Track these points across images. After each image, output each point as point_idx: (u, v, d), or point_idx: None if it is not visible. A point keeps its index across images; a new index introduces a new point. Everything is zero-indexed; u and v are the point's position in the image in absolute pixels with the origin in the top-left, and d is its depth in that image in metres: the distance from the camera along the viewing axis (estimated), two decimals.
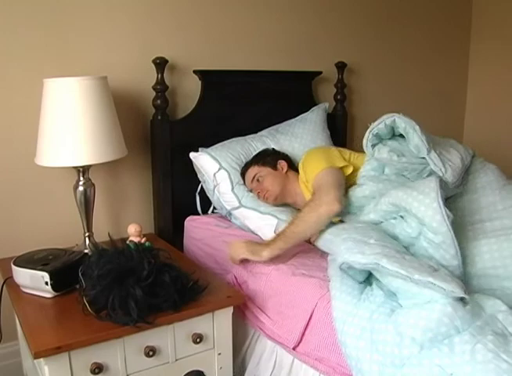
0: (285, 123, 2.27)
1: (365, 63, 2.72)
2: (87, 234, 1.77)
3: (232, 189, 1.96)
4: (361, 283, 1.35)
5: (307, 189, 1.80)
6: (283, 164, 1.93)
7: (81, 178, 1.73)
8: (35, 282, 1.41)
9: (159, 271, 1.32)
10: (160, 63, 1.98)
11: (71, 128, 1.58)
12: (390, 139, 1.68)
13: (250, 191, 1.94)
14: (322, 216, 1.54)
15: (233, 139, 2.12)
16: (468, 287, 1.33)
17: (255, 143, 2.11)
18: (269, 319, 1.54)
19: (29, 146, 1.75)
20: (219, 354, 1.46)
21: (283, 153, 2.03)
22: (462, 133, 3.29)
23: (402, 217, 1.47)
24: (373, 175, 1.69)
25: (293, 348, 1.45)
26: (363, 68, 2.72)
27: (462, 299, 1.17)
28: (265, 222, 1.83)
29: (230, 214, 2.00)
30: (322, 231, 1.57)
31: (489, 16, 3.04)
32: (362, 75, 2.72)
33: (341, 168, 1.74)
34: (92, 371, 1.24)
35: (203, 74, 2.13)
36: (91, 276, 1.31)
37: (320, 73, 2.47)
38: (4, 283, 1.53)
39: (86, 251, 1.72)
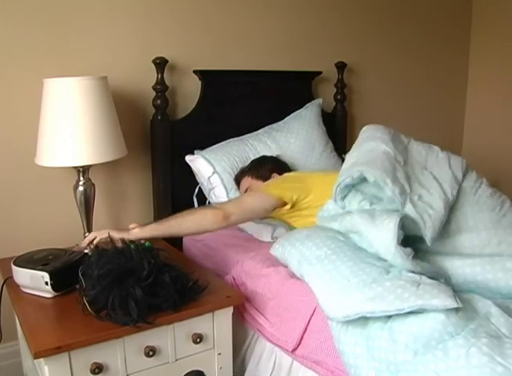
0: (280, 121, 2.28)
1: (365, 63, 2.72)
2: (87, 234, 1.77)
3: (227, 194, 1.99)
4: None
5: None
6: (276, 176, 1.91)
7: (81, 178, 1.73)
8: (35, 282, 1.41)
9: (159, 271, 1.31)
10: (160, 63, 1.98)
11: (71, 128, 1.58)
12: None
13: None
14: (205, 219, 1.53)
15: (230, 139, 2.14)
16: (455, 286, 1.31)
17: (252, 143, 2.12)
18: (268, 321, 1.54)
19: (29, 146, 1.75)
20: (219, 354, 1.45)
21: (281, 164, 2.01)
22: (462, 133, 3.29)
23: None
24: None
25: (292, 351, 1.44)
26: (363, 68, 2.72)
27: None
28: (261, 226, 1.85)
29: None
30: (286, 240, 1.55)
31: (489, 16, 3.04)
32: (362, 75, 2.72)
33: (278, 198, 1.67)
34: (92, 371, 1.24)
35: (203, 74, 2.13)
36: (91, 276, 1.31)
37: (320, 73, 2.47)
38: (4, 283, 1.53)
39: (86, 251, 1.72)
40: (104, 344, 1.25)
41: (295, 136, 2.20)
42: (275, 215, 1.73)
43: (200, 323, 1.39)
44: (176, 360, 1.38)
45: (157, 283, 1.30)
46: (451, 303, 1.12)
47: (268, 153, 2.10)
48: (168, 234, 1.55)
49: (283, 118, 2.30)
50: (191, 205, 2.10)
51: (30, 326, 1.28)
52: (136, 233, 1.50)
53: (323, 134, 2.31)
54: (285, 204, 1.67)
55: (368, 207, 1.43)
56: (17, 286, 1.47)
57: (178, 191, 2.10)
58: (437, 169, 1.57)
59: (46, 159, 1.63)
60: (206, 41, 2.18)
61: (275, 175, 1.92)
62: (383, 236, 1.28)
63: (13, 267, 1.45)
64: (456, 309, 1.15)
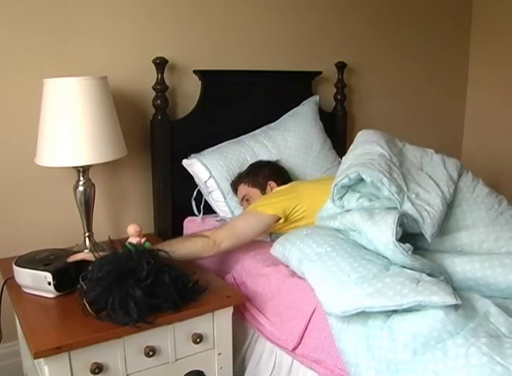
0: (277, 120, 2.28)
1: (365, 63, 2.72)
2: (87, 234, 1.77)
3: (225, 199, 2.00)
4: None
5: None
6: (272, 185, 1.91)
7: (81, 178, 1.73)
8: (37, 282, 1.41)
9: (158, 271, 1.31)
10: (160, 63, 1.98)
11: (71, 128, 1.58)
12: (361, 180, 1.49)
13: (241, 204, 1.97)
14: (197, 248, 1.57)
15: (228, 141, 2.14)
16: (454, 283, 1.32)
17: (249, 144, 2.12)
18: (268, 320, 1.54)
19: (29, 146, 1.75)
20: (219, 354, 1.46)
21: (277, 170, 2.00)
22: (462, 133, 3.29)
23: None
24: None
25: (292, 350, 1.45)
26: (363, 68, 2.72)
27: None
28: None
29: None
30: (286, 239, 1.55)
31: (489, 16, 3.04)
32: (362, 75, 2.72)
33: (272, 215, 1.68)
34: (92, 371, 1.24)
35: (203, 74, 2.13)
36: (91, 278, 1.31)
37: (320, 73, 2.47)
38: (4, 283, 1.53)
39: (86, 251, 1.72)
40: (104, 344, 1.25)
41: (292, 134, 2.20)
42: (272, 229, 1.74)
43: (200, 323, 1.39)
44: (176, 360, 1.38)
45: (157, 284, 1.30)
46: (450, 300, 1.12)
47: (266, 154, 2.10)
48: None
49: None
50: (191, 205, 2.10)
51: (31, 326, 1.28)
52: None
53: (321, 131, 2.30)
54: (278, 219, 1.68)
55: (367, 203, 1.44)
56: (18, 286, 1.48)
57: (178, 191, 2.10)
58: (432, 170, 1.60)
59: (46, 159, 1.63)
60: (206, 41, 2.18)
61: (271, 183, 1.91)
62: (382, 233, 1.29)
63: (15, 267, 1.45)
64: (456, 308, 1.15)
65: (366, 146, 1.63)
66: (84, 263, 1.40)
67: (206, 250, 1.58)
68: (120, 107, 1.85)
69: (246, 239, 1.67)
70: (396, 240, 1.27)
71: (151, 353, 1.31)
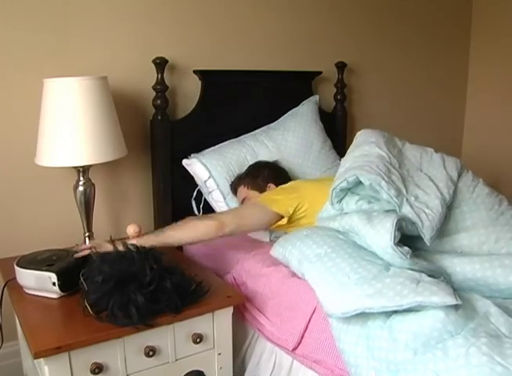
0: (277, 120, 2.28)
1: (365, 63, 2.72)
2: (87, 234, 1.77)
3: (225, 199, 2.00)
4: None
5: None
6: (272, 187, 1.90)
7: (81, 178, 1.73)
8: (41, 283, 1.40)
9: (161, 277, 1.31)
10: (160, 63, 1.98)
11: (71, 128, 1.58)
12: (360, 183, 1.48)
13: None
14: (199, 230, 1.55)
15: (228, 141, 2.13)
16: (454, 284, 1.32)
17: (249, 143, 2.12)
18: (268, 320, 1.54)
19: (29, 146, 1.75)
20: (219, 354, 1.46)
21: (276, 171, 2.00)
22: (462, 133, 3.29)
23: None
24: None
25: (292, 350, 1.44)
26: (363, 68, 2.72)
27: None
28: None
29: None
30: (286, 240, 1.55)
31: (489, 16, 3.04)
32: (362, 75, 2.72)
33: (276, 213, 1.67)
34: (92, 371, 1.24)
35: (203, 74, 2.13)
36: (93, 281, 1.31)
37: (320, 73, 2.47)
38: (5, 284, 1.52)
39: (87, 251, 1.72)
40: (104, 344, 1.25)
41: (292, 134, 2.20)
42: (273, 228, 1.74)
43: (200, 323, 1.39)
44: (176, 360, 1.38)
45: (159, 289, 1.29)
46: (450, 300, 1.12)
47: (266, 153, 2.10)
48: (167, 244, 1.54)
49: None
50: (191, 206, 2.10)
51: (31, 326, 1.28)
52: (138, 242, 1.50)
53: (321, 131, 2.30)
54: (281, 217, 1.67)
55: (366, 206, 1.44)
56: (20, 287, 1.47)
57: (178, 191, 2.10)
58: (432, 170, 1.59)
59: (46, 159, 1.63)
60: (206, 41, 2.18)
61: (271, 185, 1.90)
62: (380, 237, 1.29)
63: (17, 268, 1.44)
64: (456, 308, 1.15)
65: (365, 147, 1.63)
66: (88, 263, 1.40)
67: (209, 232, 1.55)
68: (120, 107, 1.85)
69: (250, 228, 1.68)
70: (394, 244, 1.26)
71: (151, 353, 1.31)
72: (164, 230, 1.56)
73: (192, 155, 2.07)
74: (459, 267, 1.34)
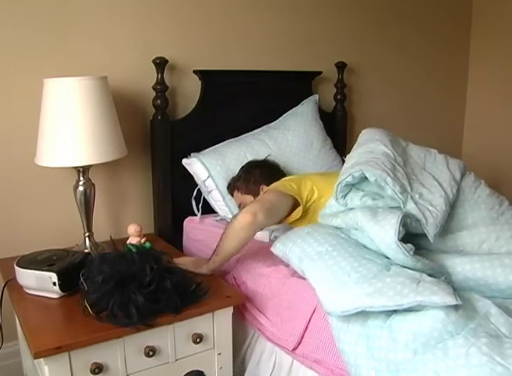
0: (277, 120, 2.28)
1: (365, 63, 2.72)
2: (87, 234, 1.77)
3: (224, 199, 2.00)
4: None
5: None
6: (264, 189, 1.86)
7: (81, 179, 1.73)
8: (42, 283, 1.40)
9: (161, 277, 1.31)
10: (160, 63, 1.98)
11: (71, 128, 1.58)
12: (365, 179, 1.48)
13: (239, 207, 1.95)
14: (236, 230, 1.51)
15: (228, 140, 2.13)
16: (455, 283, 1.32)
17: (249, 142, 2.12)
18: (268, 320, 1.54)
19: (29, 146, 1.75)
20: (219, 354, 1.46)
21: (268, 169, 1.97)
22: (462, 133, 3.29)
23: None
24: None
25: (292, 350, 1.44)
26: (363, 68, 2.72)
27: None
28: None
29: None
30: (287, 238, 1.54)
31: (489, 16, 3.04)
32: (362, 75, 2.72)
33: (293, 197, 1.65)
34: (92, 371, 1.24)
35: (203, 74, 2.13)
36: (93, 281, 1.31)
37: (320, 73, 2.47)
38: (5, 284, 1.52)
39: (87, 250, 1.72)
40: (104, 344, 1.25)
41: (292, 133, 2.20)
42: (292, 222, 1.69)
43: (200, 323, 1.39)
44: (176, 360, 1.38)
45: (159, 289, 1.30)
46: (450, 300, 1.12)
47: (266, 152, 2.09)
48: (228, 257, 1.58)
49: None
50: (191, 205, 2.10)
51: (31, 326, 1.28)
52: (208, 267, 1.57)
53: (321, 130, 2.30)
54: (296, 205, 1.65)
55: (370, 202, 1.44)
56: (20, 287, 1.47)
57: (178, 191, 2.10)
58: (435, 170, 1.60)
59: (46, 159, 1.63)
60: (206, 41, 2.18)
61: (263, 187, 1.86)
62: (385, 232, 1.29)
63: (17, 269, 1.44)
64: (456, 308, 1.15)
65: (370, 144, 1.63)
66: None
67: (244, 225, 1.49)
68: (120, 107, 1.85)
69: (276, 215, 1.60)
70: (398, 239, 1.27)
71: (151, 353, 1.31)
72: (218, 247, 1.56)
73: (191, 154, 2.07)
74: (460, 267, 1.35)
